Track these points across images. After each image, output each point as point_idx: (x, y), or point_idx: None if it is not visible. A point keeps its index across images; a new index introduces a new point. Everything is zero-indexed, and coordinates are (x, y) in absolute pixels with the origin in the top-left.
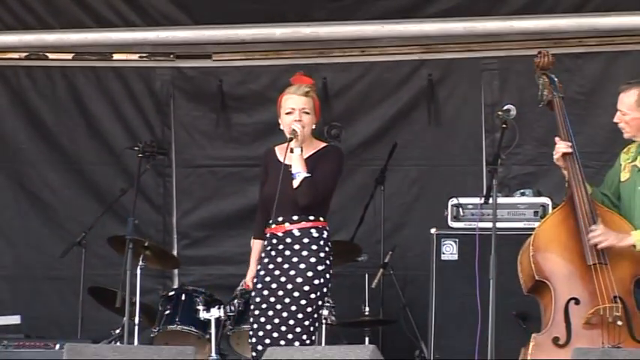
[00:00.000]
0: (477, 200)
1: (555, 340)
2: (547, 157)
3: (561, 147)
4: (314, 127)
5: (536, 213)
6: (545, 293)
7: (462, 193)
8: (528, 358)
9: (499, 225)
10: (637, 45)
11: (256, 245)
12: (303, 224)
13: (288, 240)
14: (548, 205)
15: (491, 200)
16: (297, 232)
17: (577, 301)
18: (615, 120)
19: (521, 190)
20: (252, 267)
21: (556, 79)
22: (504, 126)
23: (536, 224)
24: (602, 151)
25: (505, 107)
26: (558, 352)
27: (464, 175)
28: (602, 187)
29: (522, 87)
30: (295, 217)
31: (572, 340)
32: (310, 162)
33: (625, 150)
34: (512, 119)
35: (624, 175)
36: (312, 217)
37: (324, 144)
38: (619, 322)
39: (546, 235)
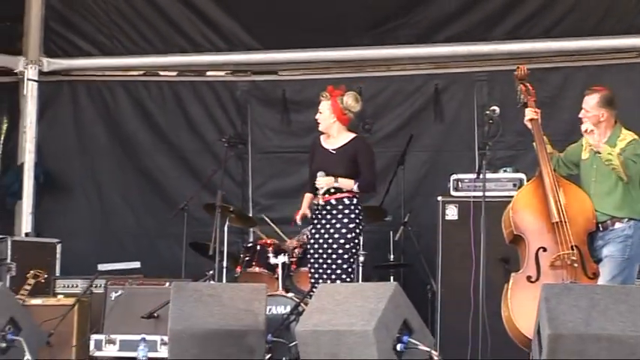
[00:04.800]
0: (471, 176)
1: (529, 277)
2: (523, 144)
3: (528, 115)
4: (332, 121)
5: (514, 185)
6: (521, 244)
7: (460, 170)
8: (509, 290)
9: (488, 194)
10: (590, 62)
11: (307, 195)
12: (338, 195)
13: (328, 207)
14: (523, 179)
15: (481, 176)
16: (333, 202)
17: (544, 249)
18: (580, 115)
19: (504, 168)
20: (304, 207)
21: (530, 87)
22: (491, 121)
23: (514, 193)
24: (563, 139)
25: (492, 108)
26: (530, 286)
27: (461, 158)
28: (563, 154)
29: (505, 93)
30: (333, 190)
31: (541, 277)
32: (343, 151)
33: None
34: (497, 116)
35: (585, 155)
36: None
37: (352, 135)
38: (575, 265)
39: (522, 201)
